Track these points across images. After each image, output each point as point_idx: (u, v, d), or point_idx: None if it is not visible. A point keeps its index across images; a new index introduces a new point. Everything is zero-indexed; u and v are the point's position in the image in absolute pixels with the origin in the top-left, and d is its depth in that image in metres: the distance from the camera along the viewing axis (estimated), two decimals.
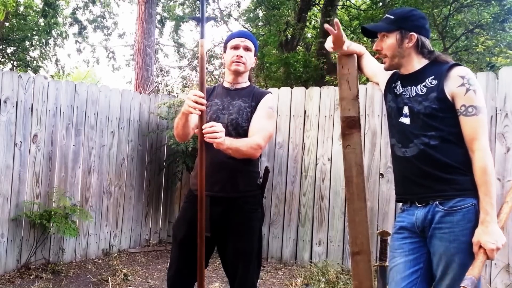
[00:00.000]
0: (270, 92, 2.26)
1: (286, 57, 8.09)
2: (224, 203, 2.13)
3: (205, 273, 2.50)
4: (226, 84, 2.28)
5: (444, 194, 1.73)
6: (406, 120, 1.84)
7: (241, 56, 2.17)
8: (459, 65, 1.80)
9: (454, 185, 1.72)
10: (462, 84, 1.72)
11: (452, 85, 1.74)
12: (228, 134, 2.06)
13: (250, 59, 2.23)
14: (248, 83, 2.29)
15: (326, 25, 1.95)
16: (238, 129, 2.15)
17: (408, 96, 1.84)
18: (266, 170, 2.27)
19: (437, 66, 1.82)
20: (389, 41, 1.84)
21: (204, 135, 1.90)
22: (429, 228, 1.76)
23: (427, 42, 1.87)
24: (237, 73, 2.22)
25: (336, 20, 1.92)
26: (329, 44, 1.99)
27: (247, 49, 2.20)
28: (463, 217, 1.69)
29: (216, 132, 1.89)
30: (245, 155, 2.04)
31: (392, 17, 1.86)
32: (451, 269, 1.69)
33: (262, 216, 2.27)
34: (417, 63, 1.86)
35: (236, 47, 2.20)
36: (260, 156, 2.27)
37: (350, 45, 1.99)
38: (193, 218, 2.02)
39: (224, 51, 2.30)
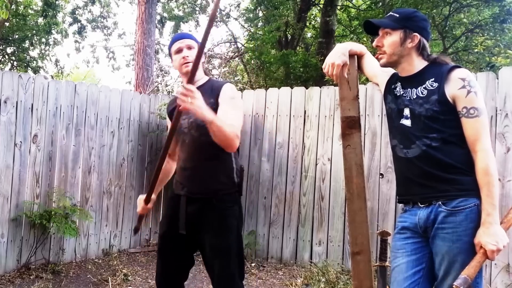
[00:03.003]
0: (228, 82, 2.23)
1: (283, 54, 8.06)
2: (200, 202, 2.15)
3: (203, 273, 2.50)
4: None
5: (447, 194, 1.73)
6: (407, 122, 1.84)
7: (187, 56, 2.17)
8: (459, 67, 1.80)
9: (457, 185, 1.72)
10: (463, 86, 1.73)
11: (453, 88, 1.74)
12: (192, 138, 2.11)
13: None
14: (205, 79, 2.26)
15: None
16: (200, 130, 2.10)
17: (408, 98, 1.84)
18: (241, 169, 2.24)
19: (437, 68, 1.82)
20: (392, 39, 1.84)
21: (178, 100, 1.85)
22: (432, 228, 1.76)
23: (427, 44, 1.89)
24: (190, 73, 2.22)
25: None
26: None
27: (189, 47, 2.20)
28: (466, 217, 1.70)
29: (189, 95, 1.83)
30: (227, 137, 1.96)
31: (397, 15, 1.86)
32: (454, 269, 1.69)
33: (240, 214, 2.23)
34: (417, 64, 1.86)
35: (179, 51, 2.21)
36: (238, 152, 2.23)
37: (350, 51, 1.96)
38: (171, 215, 2.19)
39: (171, 60, 2.30)
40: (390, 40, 1.85)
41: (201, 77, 2.24)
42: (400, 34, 1.84)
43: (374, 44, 1.90)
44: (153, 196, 2.29)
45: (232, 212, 2.17)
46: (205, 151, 2.11)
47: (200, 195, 2.15)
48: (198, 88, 2.17)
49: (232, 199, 2.19)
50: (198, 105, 1.86)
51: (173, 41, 2.25)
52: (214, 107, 2.11)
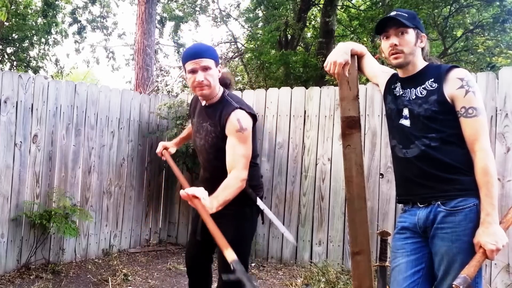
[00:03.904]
0: (236, 108, 2.11)
1: (283, 53, 8.07)
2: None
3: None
4: (202, 101, 2.27)
5: (446, 194, 1.74)
6: (406, 122, 1.84)
7: (202, 81, 2.09)
8: (457, 67, 1.81)
9: (456, 185, 1.73)
10: (461, 86, 1.73)
11: (451, 87, 1.75)
12: (204, 157, 2.23)
13: (213, 76, 2.13)
14: (220, 93, 2.21)
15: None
16: (210, 155, 2.24)
17: (408, 98, 1.85)
18: (257, 183, 2.31)
19: (436, 69, 1.83)
20: (409, 38, 1.84)
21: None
22: (431, 228, 1.76)
23: None
24: (204, 96, 2.18)
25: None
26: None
27: (205, 69, 2.10)
28: (465, 217, 1.70)
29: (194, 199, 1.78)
30: (235, 194, 1.96)
31: (406, 14, 1.86)
32: (453, 269, 1.69)
33: (251, 217, 2.24)
34: (419, 64, 1.88)
35: (193, 71, 2.11)
36: (257, 164, 2.34)
37: (351, 52, 1.96)
38: (194, 217, 2.45)
39: (185, 71, 2.20)
40: (408, 38, 1.84)
41: (215, 94, 2.18)
42: (414, 34, 1.84)
43: (391, 42, 1.84)
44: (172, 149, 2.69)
45: (242, 213, 2.19)
46: (215, 170, 2.18)
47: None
48: (210, 107, 2.21)
49: (242, 203, 2.16)
50: (208, 203, 1.78)
51: (188, 58, 2.12)
52: (220, 136, 2.12)
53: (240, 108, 2.12)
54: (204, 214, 1.73)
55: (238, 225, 2.18)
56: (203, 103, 2.25)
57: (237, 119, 2.08)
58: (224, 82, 2.26)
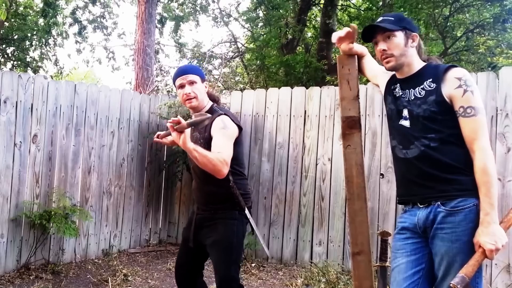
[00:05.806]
0: (222, 114, 2.28)
1: (287, 59, 8.08)
2: (203, 214, 2.38)
3: (205, 273, 2.57)
4: (192, 116, 2.42)
5: (446, 194, 1.73)
6: (406, 123, 1.84)
7: (189, 93, 2.30)
8: (455, 66, 1.81)
9: (456, 185, 1.72)
10: (459, 85, 1.73)
11: (450, 87, 1.74)
12: (196, 168, 2.25)
13: (199, 89, 2.33)
14: (208, 106, 2.37)
15: (351, 26, 1.93)
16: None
17: (407, 99, 1.85)
18: (245, 192, 2.36)
19: (434, 68, 1.83)
20: (397, 40, 1.83)
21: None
22: (431, 228, 1.76)
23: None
24: (194, 108, 2.36)
25: (353, 26, 1.91)
26: (337, 35, 1.96)
27: (191, 83, 2.32)
28: (465, 217, 1.69)
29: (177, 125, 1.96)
30: (212, 164, 2.05)
31: (392, 18, 1.86)
32: (453, 269, 1.69)
33: (239, 230, 2.32)
34: (416, 64, 1.88)
35: (181, 86, 2.34)
36: (244, 175, 2.37)
37: (353, 47, 1.98)
38: (188, 225, 2.48)
39: (176, 89, 2.44)
40: (396, 42, 1.83)
41: (203, 106, 2.36)
42: (403, 35, 1.84)
43: (380, 48, 1.85)
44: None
45: (227, 227, 2.28)
46: (203, 177, 2.27)
47: (203, 211, 2.37)
48: None
49: (231, 208, 2.30)
50: (182, 138, 1.97)
51: (176, 76, 2.36)
52: (207, 139, 2.23)
53: (226, 114, 2.28)
54: (186, 146, 1.96)
55: (229, 224, 2.29)
56: (193, 117, 2.38)
57: (222, 120, 2.24)
58: (213, 98, 2.44)
